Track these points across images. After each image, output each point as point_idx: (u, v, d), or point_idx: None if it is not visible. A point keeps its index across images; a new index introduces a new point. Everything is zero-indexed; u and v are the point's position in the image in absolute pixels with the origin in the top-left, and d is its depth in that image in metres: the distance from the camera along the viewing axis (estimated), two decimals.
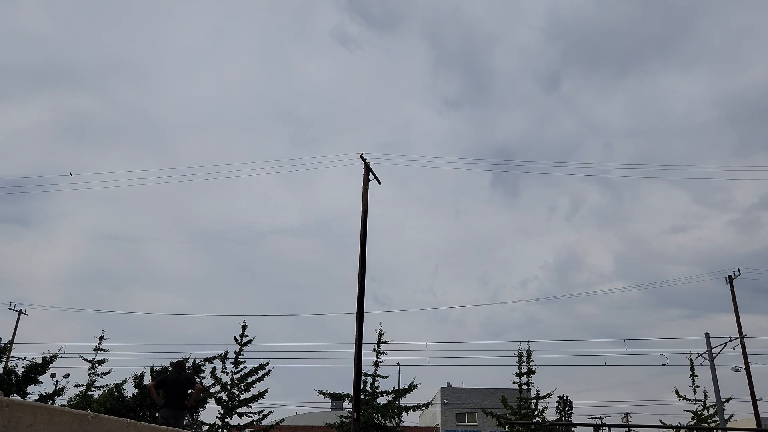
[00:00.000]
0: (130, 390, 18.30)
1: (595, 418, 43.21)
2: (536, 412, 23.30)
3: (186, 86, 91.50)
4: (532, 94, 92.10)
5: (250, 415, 20.46)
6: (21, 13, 78.05)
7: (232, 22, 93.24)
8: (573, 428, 26.79)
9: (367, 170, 19.05)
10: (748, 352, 25.63)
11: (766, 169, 57.78)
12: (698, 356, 25.35)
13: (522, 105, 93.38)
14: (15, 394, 17.92)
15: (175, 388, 8.42)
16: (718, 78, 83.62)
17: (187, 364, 18.80)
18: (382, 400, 21.45)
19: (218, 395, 20.17)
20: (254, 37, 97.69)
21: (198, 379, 15.38)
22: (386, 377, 21.90)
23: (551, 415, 35.73)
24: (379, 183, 19.19)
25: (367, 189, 18.80)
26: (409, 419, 24.99)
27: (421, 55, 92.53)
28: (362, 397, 19.35)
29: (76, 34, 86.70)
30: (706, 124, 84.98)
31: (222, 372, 20.70)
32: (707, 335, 25.49)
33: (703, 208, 79.26)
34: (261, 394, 20.66)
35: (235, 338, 21.43)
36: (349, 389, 18.38)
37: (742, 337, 25.54)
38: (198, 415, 20.16)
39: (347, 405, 22.85)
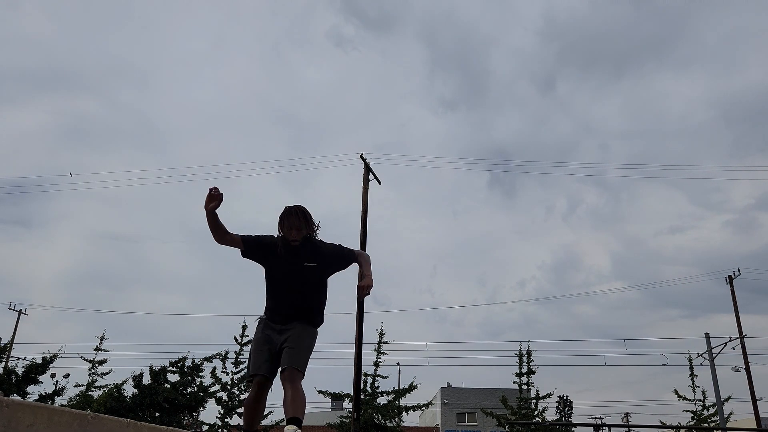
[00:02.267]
0: (129, 390, 18.28)
1: (595, 418, 43.23)
2: (536, 412, 23.29)
3: (187, 89, 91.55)
4: (528, 95, 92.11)
5: None
6: (24, 17, 78.06)
7: (232, 26, 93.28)
8: (573, 428, 26.80)
9: (367, 170, 19.05)
10: (747, 352, 25.64)
11: (762, 170, 57.87)
12: (698, 356, 25.36)
13: (518, 106, 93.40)
14: (15, 394, 17.90)
15: None
16: (714, 79, 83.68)
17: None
18: (382, 400, 21.45)
19: (218, 395, 20.17)
20: (254, 41, 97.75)
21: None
22: (386, 377, 21.90)
23: (551, 415, 35.76)
24: (379, 183, 19.18)
25: (367, 189, 18.80)
26: (409, 419, 24.99)
27: (417, 57, 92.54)
28: (362, 397, 19.34)
29: (79, 38, 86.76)
30: (702, 126, 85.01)
31: (222, 372, 20.72)
32: (707, 335, 25.49)
33: (700, 209, 79.22)
34: None
35: (235, 338, 21.46)
36: (349, 389, 18.39)
37: (742, 337, 25.54)
38: (198, 415, 20.15)
39: (347, 405, 22.85)
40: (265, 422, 20.82)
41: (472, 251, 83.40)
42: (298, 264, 3.47)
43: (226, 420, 20.10)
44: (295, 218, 3.46)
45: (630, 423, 39.33)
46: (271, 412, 21.31)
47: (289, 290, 3.49)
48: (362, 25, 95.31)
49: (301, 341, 3.39)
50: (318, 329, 3.57)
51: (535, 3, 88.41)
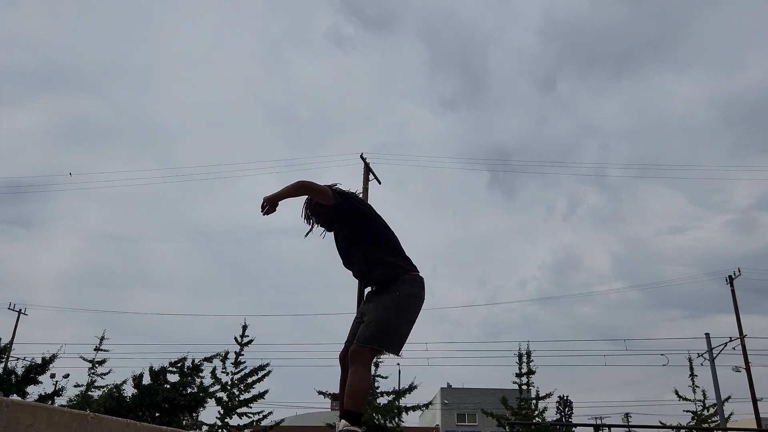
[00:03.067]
0: (129, 390, 18.27)
1: (596, 418, 43.20)
2: (536, 412, 23.29)
3: (186, 89, 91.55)
4: (528, 95, 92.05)
5: (249, 415, 20.45)
6: (22, 16, 78.04)
7: (231, 26, 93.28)
8: (573, 428, 26.81)
9: (367, 170, 19.05)
10: (748, 352, 25.63)
11: (763, 170, 57.86)
12: (698, 356, 25.35)
13: (518, 106, 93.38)
14: (15, 395, 17.89)
15: None
16: (714, 79, 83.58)
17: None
18: (382, 400, 21.43)
19: (218, 395, 20.16)
20: (253, 40, 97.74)
21: None
22: (386, 377, 21.90)
23: (551, 415, 35.79)
24: (379, 183, 19.18)
25: (368, 189, 18.80)
26: (409, 420, 24.96)
27: (417, 56, 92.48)
28: None
29: (78, 37, 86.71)
30: (702, 125, 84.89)
31: (222, 372, 20.69)
32: (707, 335, 25.49)
33: (700, 209, 79.14)
34: (261, 395, 20.64)
35: (235, 338, 21.42)
36: None
37: (742, 337, 25.53)
38: (198, 416, 20.14)
39: None
40: (265, 422, 20.79)
41: (472, 251, 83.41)
42: (337, 241, 3.31)
43: (225, 420, 20.08)
44: (305, 216, 3.26)
45: (630, 423, 39.33)
46: (271, 412, 21.27)
47: (351, 269, 3.33)
48: (362, 25, 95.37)
49: (374, 311, 3.00)
50: (403, 290, 3.03)
51: (535, 2, 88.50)
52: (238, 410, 20.32)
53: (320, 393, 21.73)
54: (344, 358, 3.07)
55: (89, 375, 21.27)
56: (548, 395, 23.73)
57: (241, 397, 20.54)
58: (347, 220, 3.17)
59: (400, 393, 21.71)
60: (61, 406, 10.40)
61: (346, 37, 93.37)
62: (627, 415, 42.75)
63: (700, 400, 24.63)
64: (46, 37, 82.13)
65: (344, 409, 2.80)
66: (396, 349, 2.96)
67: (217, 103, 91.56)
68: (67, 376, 21.56)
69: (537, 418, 23.04)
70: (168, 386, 17.99)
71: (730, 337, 25.55)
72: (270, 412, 21.00)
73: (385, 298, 3.03)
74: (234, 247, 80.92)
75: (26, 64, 78.58)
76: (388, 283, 3.07)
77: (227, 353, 20.91)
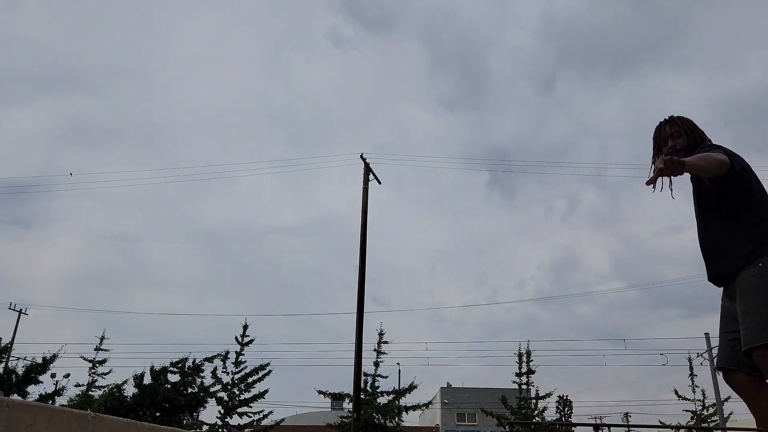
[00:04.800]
0: (130, 390, 18.31)
1: (595, 417, 43.24)
2: (536, 412, 23.31)
3: (187, 89, 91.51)
4: (527, 95, 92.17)
5: (250, 414, 20.49)
6: (24, 18, 78.06)
7: (232, 27, 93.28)
8: (573, 428, 26.81)
9: (367, 170, 19.04)
10: None
11: (761, 170, 57.65)
12: (698, 356, 25.38)
13: (517, 107, 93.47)
14: (15, 394, 17.92)
15: None
16: (713, 79, 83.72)
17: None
18: (383, 400, 21.47)
19: (219, 395, 20.19)
20: (254, 41, 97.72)
21: None
22: (386, 377, 21.94)
23: (551, 415, 35.74)
24: (379, 183, 19.18)
25: (367, 189, 18.79)
26: (409, 419, 25.02)
27: (416, 57, 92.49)
28: (362, 397, 19.35)
29: (79, 38, 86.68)
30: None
31: (223, 372, 20.74)
32: (707, 335, 25.50)
33: None
34: (261, 394, 20.69)
35: (236, 338, 21.48)
36: (349, 389, 18.40)
37: None
38: (198, 415, 20.17)
39: (347, 405, 22.87)
40: (265, 422, 20.82)
41: (471, 251, 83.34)
42: (694, 196, 2.59)
43: (226, 420, 20.11)
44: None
45: (630, 423, 39.33)
46: (272, 411, 21.30)
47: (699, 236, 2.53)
48: (361, 26, 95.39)
49: (747, 301, 2.22)
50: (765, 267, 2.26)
51: (534, 3, 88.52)
52: (239, 410, 20.35)
53: (320, 393, 21.77)
54: (738, 380, 2.34)
55: (90, 375, 21.32)
56: (548, 395, 23.76)
57: (242, 397, 20.57)
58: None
59: (400, 392, 21.73)
60: (62, 405, 10.42)
61: (346, 38, 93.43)
62: (626, 414, 42.76)
63: (699, 400, 24.68)
64: (47, 38, 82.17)
65: None
66: None
67: (218, 104, 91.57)
68: (67, 375, 21.63)
69: (537, 418, 23.06)
70: (169, 386, 18.02)
71: None
72: (270, 412, 21.08)
73: (749, 286, 2.27)
74: (234, 247, 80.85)
75: (27, 65, 78.61)
76: (752, 267, 2.33)
77: (228, 353, 20.96)
